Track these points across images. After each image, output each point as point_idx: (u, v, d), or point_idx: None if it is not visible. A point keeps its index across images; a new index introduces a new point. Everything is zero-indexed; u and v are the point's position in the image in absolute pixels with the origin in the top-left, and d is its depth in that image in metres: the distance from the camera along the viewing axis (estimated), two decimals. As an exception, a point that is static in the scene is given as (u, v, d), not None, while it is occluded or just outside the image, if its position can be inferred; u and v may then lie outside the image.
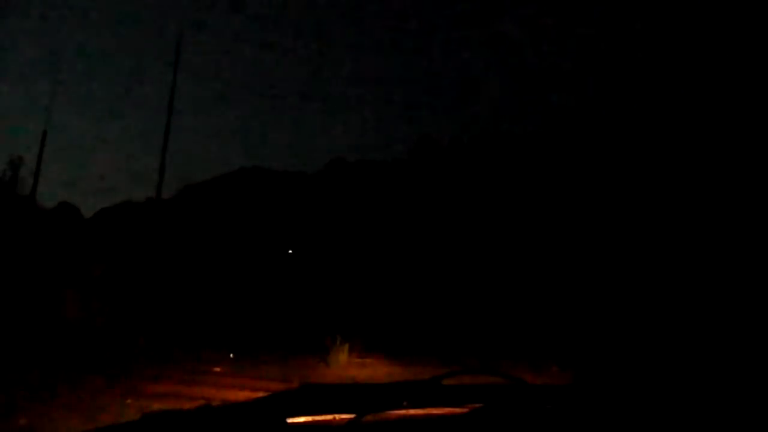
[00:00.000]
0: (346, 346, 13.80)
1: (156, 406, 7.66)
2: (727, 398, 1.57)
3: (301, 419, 1.31)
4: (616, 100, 23.09)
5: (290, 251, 25.80)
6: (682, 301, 15.34)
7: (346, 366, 13.21)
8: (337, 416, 1.32)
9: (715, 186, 17.83)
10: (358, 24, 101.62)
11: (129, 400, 8.23)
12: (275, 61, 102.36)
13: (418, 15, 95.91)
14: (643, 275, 17.14)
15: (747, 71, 20.15)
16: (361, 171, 31.04)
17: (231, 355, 13.62)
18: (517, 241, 21.23)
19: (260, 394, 1.47)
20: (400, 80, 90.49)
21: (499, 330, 16.61)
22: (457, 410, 1.39)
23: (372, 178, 28.83)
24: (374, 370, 12.82)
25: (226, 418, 1.30)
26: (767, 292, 13.72)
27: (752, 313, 13.42)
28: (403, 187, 25.97)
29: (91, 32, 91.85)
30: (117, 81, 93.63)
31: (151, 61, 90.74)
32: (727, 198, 17.36)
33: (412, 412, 1.38)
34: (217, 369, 12.02)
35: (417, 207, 24.22)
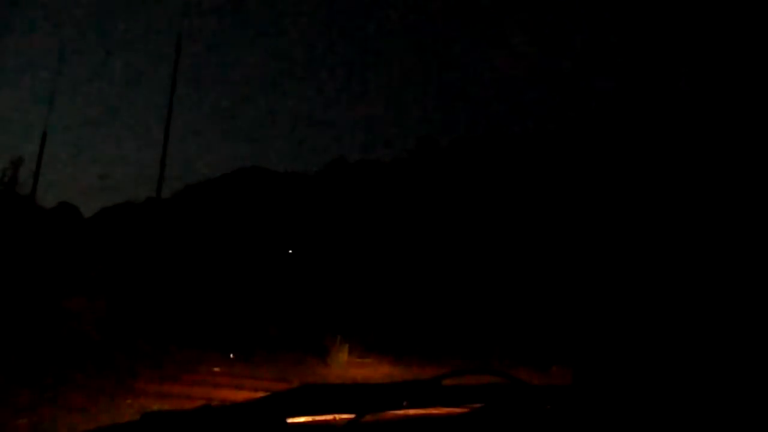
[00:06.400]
0: (346, 346, 13.82)
1: (156, 406, 7.67)
2: (727, 398, 1.57)
3: (301, 419, 1.31)
4: (616, 100, 23.09)
5: (290, 251, 25.78)
6: (682, 300, 15.33)
7: (346, 366, 13.22)
8: (337, 416, 1.32)
9: (715, 185, 17.83)
10: (359, 24, 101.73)
11: (129, 400, 8.24)
12: (275, 61, 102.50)
13: (418, 15, 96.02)
14: (643, 274, 17.13)
15: (747, 71, 20.16)
16: (361, 171, 31.02)
17: (231, 355, 13.62)
18: (517, 240, 21.23)
19: (260, 394, 1.47)
20: (400, 80, 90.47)
21: (499, 330, 16.61)
22: (457, 410, 1.38)
23: (372, 178, 28.82)
24: (374, 370, 12.83)
25: (226, 418, 1.30)
26: (767, 292, 13.71)
27: (752, 312, 13.42)
28: (404, 187, 25.96)
29: (91, 32, 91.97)
30: (117, 81, 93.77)
31: (151, 61, 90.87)
32: (727, 197, 17.37)
33: (412, 412, 1.37)
34: (217, 369, 12.02)
35: (417, 207, 24.21)
